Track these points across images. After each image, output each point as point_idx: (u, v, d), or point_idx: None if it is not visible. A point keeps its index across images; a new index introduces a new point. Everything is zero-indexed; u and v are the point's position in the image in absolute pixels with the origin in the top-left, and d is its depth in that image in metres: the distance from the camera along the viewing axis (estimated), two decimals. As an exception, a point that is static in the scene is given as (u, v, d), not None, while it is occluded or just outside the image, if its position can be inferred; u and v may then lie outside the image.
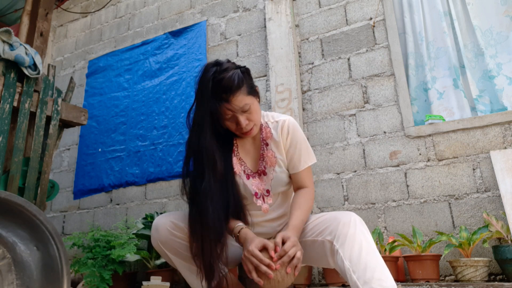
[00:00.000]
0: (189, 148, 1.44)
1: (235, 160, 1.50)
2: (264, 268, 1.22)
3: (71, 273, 2.33)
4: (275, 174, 1.49)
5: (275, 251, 1.25)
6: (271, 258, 1.24)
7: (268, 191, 1.50)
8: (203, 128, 1.37)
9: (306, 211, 1.40)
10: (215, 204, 1.36)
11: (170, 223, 1.45)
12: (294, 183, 1.51)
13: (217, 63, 1.40)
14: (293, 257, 1.24)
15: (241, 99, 1.35)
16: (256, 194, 1.48)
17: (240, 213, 1.43)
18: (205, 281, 1.37)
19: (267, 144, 1.51)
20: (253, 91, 1.43)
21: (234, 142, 1.53)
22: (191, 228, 1.39)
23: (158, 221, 1.48)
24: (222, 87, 1.33)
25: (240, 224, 1.40)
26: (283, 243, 1.26)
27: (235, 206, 1.42)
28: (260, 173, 1.51)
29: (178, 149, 3.15)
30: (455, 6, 2.64)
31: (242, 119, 1.38)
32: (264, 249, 1.27)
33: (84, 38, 4.11)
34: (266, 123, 1.53)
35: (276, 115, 1.55)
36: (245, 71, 1.42)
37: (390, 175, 2.44)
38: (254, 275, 1.24)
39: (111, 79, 3.73)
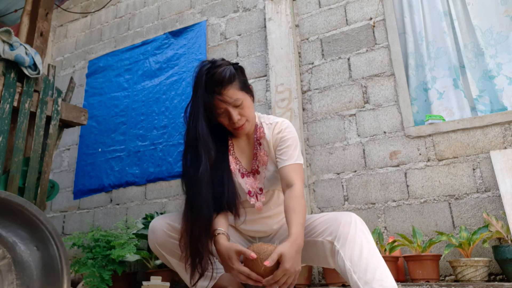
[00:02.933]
0: (186, 139, 1.47)
1: (231, 159, 1.53)
2: (252, 283, 1.22)
3: (71, 273, 2.33)
4: (268, 173, 1.52)
5: (253, 257, 1.20)
6: (254, 261, 1.20)
7: (261, 189, 1.52)
8: (198, 119, 1.41)
9: (302, 213, 1.33)
10: (208, 191, 1.37)
11: (166, 224, 1.47)
12: (282, 179, 1.45)
13: (212, 61, 1.46)
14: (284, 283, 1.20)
15: (233, 93, 1.40)
16: (249, 192, 1.51)
17: (234, 207, 1.43)
18: (190, 268, 1.35)
19: (260, 144, 1.54)
20: (246, 88, 1.47)
21: (230, 142, 1.56)
22: (184, 215, 1.39)
23: (155, 223, 1.50)
24: (214, 80, 1.39)
25: (219, 229, 1.36)
26: (278, 261, 1.19)
27: (229, 200, 1.42)
28: (254, 172, 1.54)
29: (178, 149, 3.15)
30: (455, 6, 2.64)
31: (234, 113, 1.42)
32: (241, 254, 1.24)
33: (84, 38, 4.11)
34: (261, 123, 1.57)
35: (272, 118, 1.59)
36: (238, 68, 1.48)
37: (390, 175, 2.44)
38: (251, 282, 1.24)
39: (111, 79, 3.73)
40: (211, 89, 1.39)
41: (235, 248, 1.24)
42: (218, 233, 1.34)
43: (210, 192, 1.38)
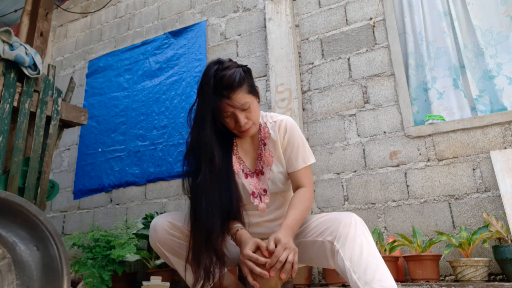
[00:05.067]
0: (190, 143, 1.46)
1: (234, 159, 1.52)
2: (258, 269, 1.23)
3: (71, 273, 2.33)
4: (272, 174, 1.50)
5: (266, 255, 1.25)
6: (264, 257, 1.25)
7: (265, 190, 1.51)
8: (204, 124, 1.40)
9: (301, 210, 1.38)
10: (210, 199, 1.37)
11: (168, 223, 1.47)
12: (293, 182, 1.50)
13: (219, 62, 1.43)
14: (286, 261, 1.22)
15: (242, 97, 1.38)
16: (253, 193, 1.50)
17: (237, 212, 1.44)
18: (192, 275, 1.38)
19: (265, 144, 1.53)
20: (254, 91, 1.46)
21: (234, 141, 1.54)
22: (190, 222, 1.41)
23: (156, 221, 1.50)
24: (223, 84, 1.36)
25: (238, 225, 1.40)
26: (275, 245, 1.25)
27: (233, 204, 1.43)
28: (258, 172, 1.53)
29: (178, 149, 3.15)
30: (455, 6, 2.64)
31: (242, 117, 1.40)
32: (258, 249, 1.28)
33: (84, 38, 4.11)
34: (265, 123, 1.55)
35: (274, 115, 1.57)
36: (247, 70, 1.45)
37: (390, 175, 2.44)
38: (250, 279, 1.25)
39: (111, 79, 3.73)
40: (220, 92, 1.36)
41: (256, 239, 1.30)
42: (242, 228, 1.39)
43: (211, 200, 1.38)
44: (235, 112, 1.39)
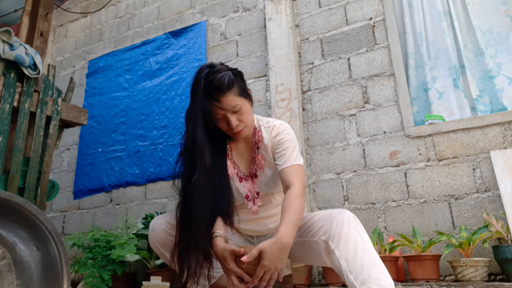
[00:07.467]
0: (185, 143, 1.47)
1: (229, 163, 1.53)
2: (243, 286, 1.26)
3: (71, 273, 2.33)
4: (265, 177, 1.52)
5: (250, 261, 1.23)
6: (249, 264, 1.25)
7: (258, 193, 1.52)
8: (196, 126, 1.41)
9: (294, 213, 1.32)
10: (200, 199, 1.37)
11: (167, 223, 1.47)
12: (282, 181, 1.46)
13: (210, 65, 1.45)
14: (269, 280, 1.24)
15: (232, 99, 1.39)
16: (247, 196, 1.51)
17: (228, 213, 1.44)
18: (177, 274, 1.38)
19: (258, 148, 1.54)
20: (245, 93, 1.46)
21: (228, 146, 1.56)
22: (180, 220, 1.41)
23: (155, 222, 1.51)
24: (213, 87, 1.38)
25: (217, 231, 1.38)
26: (259, 256, 1.23)
27: (224, 205, 1.43)
28: (252, 176, 1.54)
29: (178, 149, 3.13)
30: (455, 6, 2.64)
31: (233, 119, 1.41)
32: (236, 256, 1.28)
33: (84, 38, 4.11)
34: (260, 126, 1.56)
35: (271, 121, 1.57)
36: (237, 74, 1.47)
37: (390, 175, 2.44)
38: None
39: (111, 79, 3.73)
40: (210, 95, 1.38)
41: (229, 249, 1.28)
42: (216, 236, 1.36)
43: (202, 202, 1.38)
44: (226, 114, 1.40)
